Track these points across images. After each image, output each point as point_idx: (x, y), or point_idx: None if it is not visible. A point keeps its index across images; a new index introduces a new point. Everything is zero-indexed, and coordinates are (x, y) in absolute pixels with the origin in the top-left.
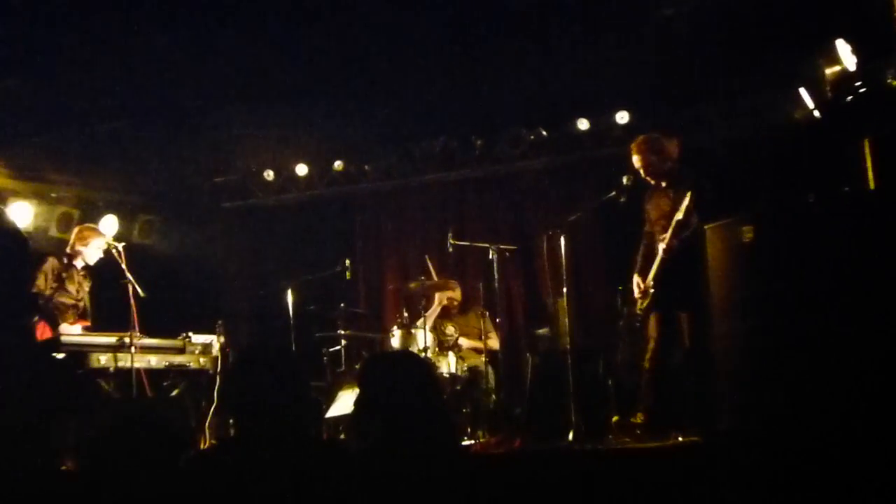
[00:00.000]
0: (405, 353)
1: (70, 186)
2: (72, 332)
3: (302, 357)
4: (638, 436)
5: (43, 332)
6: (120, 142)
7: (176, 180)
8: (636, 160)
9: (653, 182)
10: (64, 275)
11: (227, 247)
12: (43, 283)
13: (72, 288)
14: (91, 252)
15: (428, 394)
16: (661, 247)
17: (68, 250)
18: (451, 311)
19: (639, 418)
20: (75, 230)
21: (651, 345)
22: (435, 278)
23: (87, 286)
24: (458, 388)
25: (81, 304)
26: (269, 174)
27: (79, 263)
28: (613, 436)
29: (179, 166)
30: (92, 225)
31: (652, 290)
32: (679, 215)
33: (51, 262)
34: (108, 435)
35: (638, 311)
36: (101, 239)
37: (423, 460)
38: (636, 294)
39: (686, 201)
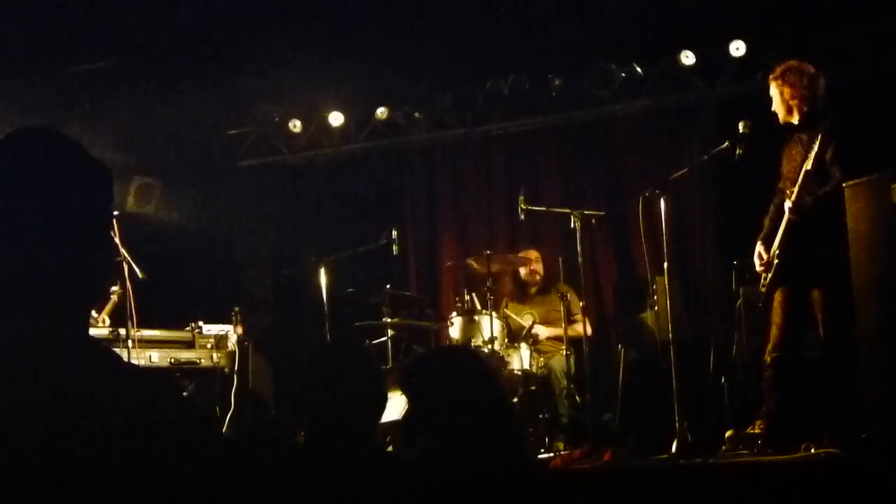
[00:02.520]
0: (456, 350)
1: None
2: None
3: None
4: (759, 447)
5: None
6: (107, 87)
7: (179, 134)
8: (778, 95)
9: (795, 122)
10: None
11: (244, 216)
12: None
13: None
14: None
15: (488, 398)
16: (788, 205)
17: None
18: (530, 289)
19: (759, 426)
20: None
21: (774, 332)
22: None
23: None
24: (533, 388)
25: None
26: (296, 125)
27: None
28: (727, 448)
29: (183, 116)
30: None
31: (777, 261)
32: (808, 164)
33: None
34: None
35: (760, 289)
36: None
37: (482, 478)
38: (757, 266)
39: (816, 147)
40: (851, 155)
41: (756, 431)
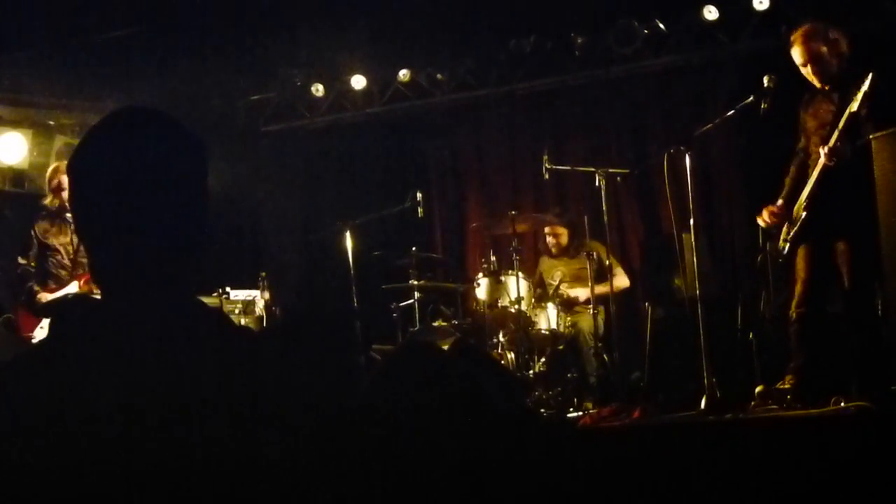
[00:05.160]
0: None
1: (70, 111)
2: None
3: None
4: (788, 402)
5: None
6: (129, 54)
7: (202, 100)
8: (798, 54)
9: (817, 82)
10: (48, 234)
11: (269, 181)
12: (25, 253)
13: (62, 243)
14: None
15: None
16: (823, 151)
17: (47, 201)
18: (554, 252)
19: (788, 381)
20: (51, 169)
21: (799, 287)
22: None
23: None
24: (561, 347)
25: (83, 260)
26: (319, 89)
27: (69, 216)
28: (756, 403)
29: (205, 82)
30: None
31: (804, 215)
32: (854, 106)
33: (34, 229)
34: None
35: (780, 245)
36: None
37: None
38: (764, 219)
39: (859, 98)
40: (882, 109)
41: (786, 386)
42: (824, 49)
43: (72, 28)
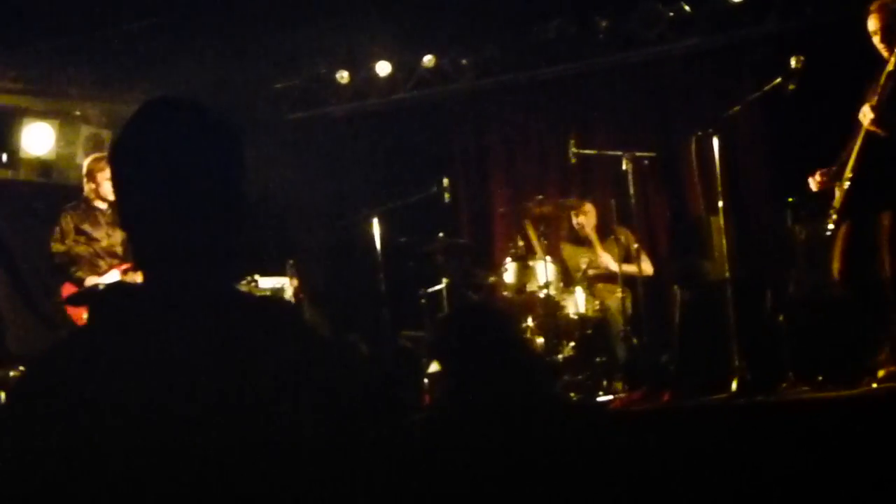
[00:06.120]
0: (475, 310)
1: (96, 101)
2: (103, 281)
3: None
4: (820, 383)
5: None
6: (154, 43)
7: (226, 88)
8: (872, 21)
9: (885, 53)
10: (85, 224)
11: (294, 168)
12: (60, 243)
13: (98, 234)
14: (107, 186)
15: (514, 353)
16: (864, 111)
17: (85, 192)
18: (582, 238)
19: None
20: (86, 162)
21: (836, 264)
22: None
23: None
24: (589, 331)
25: (117, 248)
26: (343, 76)
27: (100, 205)
28: (787, 385)
29: (230, 71)
30: (102, 154)
31: (847, 187)
32: (890, 66)
33: (65, 218)
34: None
35: (828, 224)
36: None
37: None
38: (816, 180)
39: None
40: None
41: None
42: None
43: (97, 18)
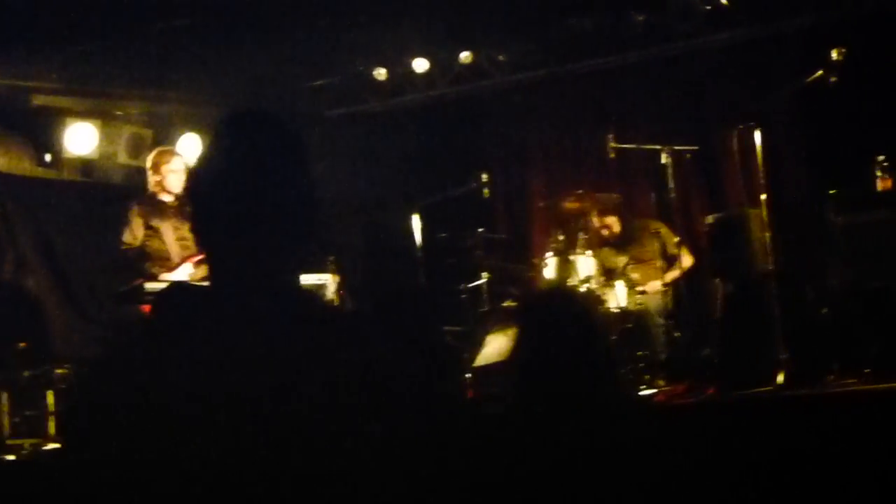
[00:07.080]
0: (570, 293)
1: (137, 101)
2: (175, 276)
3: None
4: (867, 376)
5: None
6: (195, 42)
7: (266, 86)
8: None
9: None
10: (153, 219)
11: (333, 165)
12: (131, 236)
13: (167, 229)
14: (172, 179)
15: (595, 343)
16: None
17: (149, 187)
18: (611, 240)
19: None
20: (151, 155)
21: None
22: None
23: (186, 221)
24: (630, 326)
25: (186, 242)
26: (381, 73)
27: (166, 197)
28: (835, 377)
29: (269, 69)
30: (166, 147)
31: None
32: None
33: (135, 212)
34: None
35: None
36: (177, 160)
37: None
38: None
39: None
40: None
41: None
42: None
43: (137, 17)
